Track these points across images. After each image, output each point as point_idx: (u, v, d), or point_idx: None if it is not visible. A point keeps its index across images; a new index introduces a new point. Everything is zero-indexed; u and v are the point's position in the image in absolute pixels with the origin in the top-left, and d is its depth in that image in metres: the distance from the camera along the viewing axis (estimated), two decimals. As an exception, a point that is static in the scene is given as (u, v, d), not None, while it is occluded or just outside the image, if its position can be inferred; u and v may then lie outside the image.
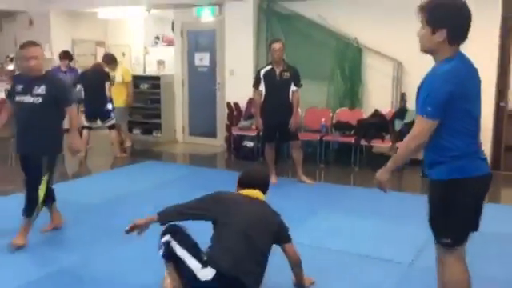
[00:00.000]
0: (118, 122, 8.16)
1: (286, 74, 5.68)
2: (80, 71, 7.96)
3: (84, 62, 9.67)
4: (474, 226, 2.44)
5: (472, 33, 6.70)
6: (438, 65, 2.32)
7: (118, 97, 7.88)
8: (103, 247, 3.87)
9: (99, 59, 10.00)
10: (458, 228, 2.35)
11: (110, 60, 7.97)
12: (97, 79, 7.37)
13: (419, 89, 2.37)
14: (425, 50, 2.39)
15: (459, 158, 2.29)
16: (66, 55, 8.11)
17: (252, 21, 7.60)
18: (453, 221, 2.31)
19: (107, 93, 7.41)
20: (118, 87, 7.92)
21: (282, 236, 3.02)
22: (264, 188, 3.09)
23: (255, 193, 3.03)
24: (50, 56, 9.34)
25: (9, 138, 6.62)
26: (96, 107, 7.37)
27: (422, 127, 2.27)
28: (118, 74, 7.95)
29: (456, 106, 2.23)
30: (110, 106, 7.46)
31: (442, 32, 2.25)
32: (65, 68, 8.04)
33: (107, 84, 7.42)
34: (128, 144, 8.28)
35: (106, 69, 7.79)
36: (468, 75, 2.35)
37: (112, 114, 7.48)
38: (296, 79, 5.71)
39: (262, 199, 3.05)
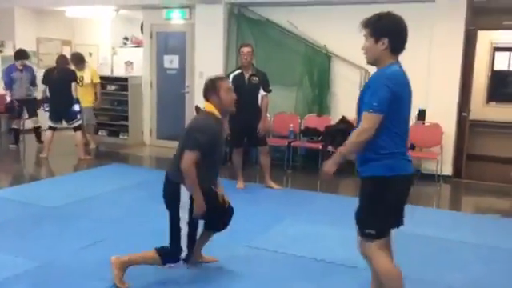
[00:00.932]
0: (88, 123, 8.06)
1: (255, 79, 5.68)
2: (45, 69, 7.67)
3: (49, 61, 9.42)
4: (397, 222, 2.66)
5: (437, 44, 6.89)
6: (381, 68, 2.55)
7: (85, 97, 7.75)
8: (64, 251, 3.76)
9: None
10: (383, 221, 2.57)
11: (78, 60, 7.82)
12: (63, 79, 7.16)
13: (363, 91, 2.58)
14: (370, 62, 2.62)
15: (390, 157, 2.52)
16: (21, 54, 7.89)
17: (222, 25, 7.58)
18: (378, 214, 2.53)
19: (73, 93, 7.22)
20: (86, 88, 7.82)
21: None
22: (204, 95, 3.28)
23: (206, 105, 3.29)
24: (13, 54, 9.08)
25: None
26: (61, 108, 7.19)
27: (371, 121, 2.45)
28: (87, 75, 7.83)
29: (393, 107, 2.45)
30: (76, 107, 7.29)
31: (384, 40, 2.50)
32: (20, 66, 7.84)
33: (73, 84, 7.24)
34: (92, 146, 8.13)
35: (73, 68, 7.62)
36: (404, 82, 2.58)
37: (78, 115, 7.31)
38: (265, 84, 5.72)
39: (205, 109, 3.26)
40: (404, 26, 2.55)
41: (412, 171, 2.65)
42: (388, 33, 2.51)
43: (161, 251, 3.21)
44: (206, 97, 3.27)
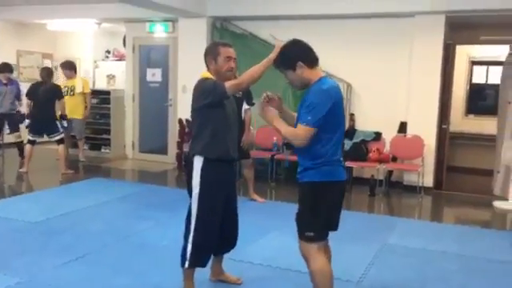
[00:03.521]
0: (80, 137, 8.06)
1: (239, 92, 5.69)
2: (31, 83, 7.55)
3: (30, 74, 9.35)
4: (333, 225, 2.84)
5: (417, 58, 7.02)
6: (317, 83, 2.70)
7: (76, 109, 7.77)
8: (46, 267, 3.69)
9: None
10: (321, 224, 2.72)
11: (70, 66, 7.87)
12: (49, 96, 7.05)
13: (302, 102, 2.72)
14: (300, 87, 2.81)
15: (328, 164, 2.67)
16: (5, 68, 7.81)
17: (205, 38, 7.61)
18: (318, 217, 2.68)
19: (59, 110, 7.24)
20: (77, 98, 7.82)
21: None
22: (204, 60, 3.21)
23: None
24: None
25: None
26: (43, 122, 7.09)
27: (304, 134, 2.61)
28: (79, 85, 7.83)
29: (331, 118, 2.62)
30: (63, 123, 7.28)
31: (299, 65, 2.71)
32: (5, 80, 7.77)
33: (61, 101, 7.24)
34: (81, 159, 8.12)
35: (62, 80, 7.59)
36: (338, 92, 2.75)
37: (61, 129, 7.23)
38: (248, 97, 5.74)
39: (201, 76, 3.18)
40: (301, 42, 2.80)
41: (346, 178, 2.83)
42: (297, 56, 2.72)
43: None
44: (206, 62, 3.20)
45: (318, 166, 2.66)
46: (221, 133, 3.08)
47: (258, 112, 2.83)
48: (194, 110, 3.14)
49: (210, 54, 3.17)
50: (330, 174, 2.68)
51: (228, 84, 2.99)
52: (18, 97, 7.92)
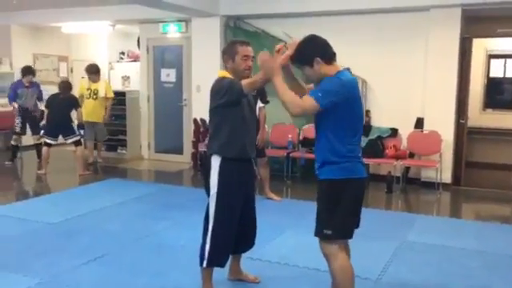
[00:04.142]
0: (100, 139, 8.17)
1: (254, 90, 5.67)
2: (50, 94, 7.65)
3: (46, 77, 9.46)
4: (354, 223, 2.77)
5: (433, 52, 6.93)
6: (335, 75, 2.63)
7: (97, 112, 7.87)
8: (65, 267, 3.72)
9: (62, 74, 9.88)
10: (339, 222, 2.66)
11: (95, 70, 7.95)
12: (66, 104, 7.21)
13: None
14: (317, 82, 2.71)
15: (347, 160, 2.63)
16: (27, 71, 7.94)
17: (219, 37, 7.62)
18: (336, 215, 2.65)
19: (78, 118, 7.45)
20: (100, 102, 7.91)
21: None
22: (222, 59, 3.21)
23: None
24: (10, 70, 9.12)
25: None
26: (59, 125, 7.20)
27: (305, 103, 2.55)
28: (102, 89, 7.91)
29: (349, 114, 2.60)
30: (73, 125, 7.37)
31: (316, 60, 2.65)
32: (27, 83, 7.89)
33: (78, 110, 7.39)
34: (98, 160, 8.23)
35: (86, 82, 7.82)
36: (357, 85, 2.71)
37: (76, 131, 7.33)
38: (263, 96, 5.72)
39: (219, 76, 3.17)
40: (318, 37, 2.73)
41: (366, 175, 2.77)
42: (314, 52, 2.66)
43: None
44: (223, 60, 3.19)
45: (336, 164, 2.62)
46: (238, 132, 3.07)
47: (258, 62, 2.71)
48: (210, 110, 3.14)
49: (228, 53, 3.15)
50: (350, 171, 2.64)
51: (244, 82, 2.97)
52: (39, 98, 8.05)
